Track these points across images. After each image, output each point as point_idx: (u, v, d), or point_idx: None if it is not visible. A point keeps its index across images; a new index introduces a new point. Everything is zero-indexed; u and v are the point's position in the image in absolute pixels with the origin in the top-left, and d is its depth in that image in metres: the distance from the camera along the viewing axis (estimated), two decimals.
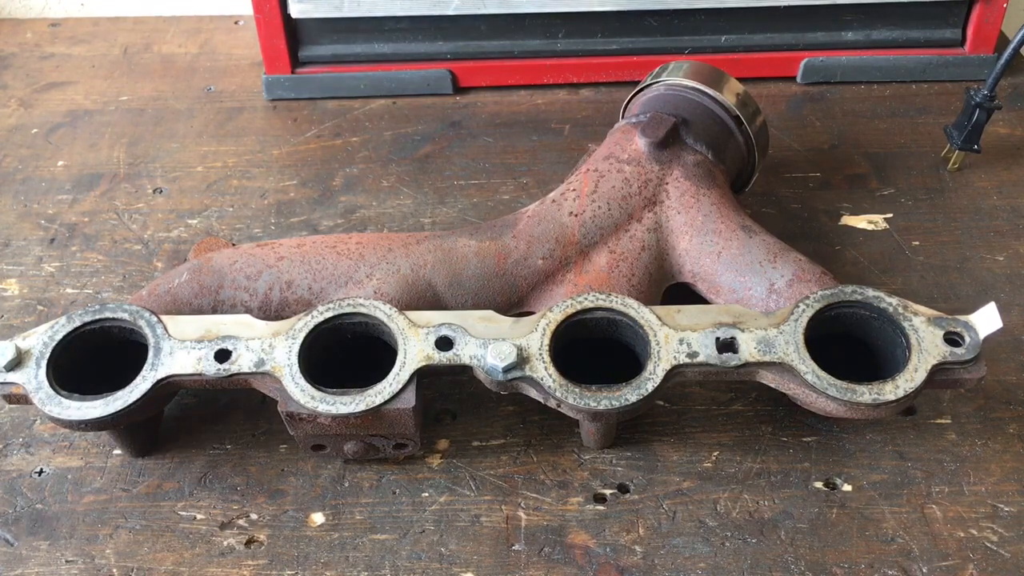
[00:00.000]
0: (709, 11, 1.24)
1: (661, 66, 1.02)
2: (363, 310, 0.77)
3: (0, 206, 1.13)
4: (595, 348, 0.79)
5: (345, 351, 0.79)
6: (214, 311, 0.85)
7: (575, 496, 0.79)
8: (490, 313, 0.78)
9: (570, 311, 0.77)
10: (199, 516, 0.78)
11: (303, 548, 0.76)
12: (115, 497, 0.80)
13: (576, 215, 0.89)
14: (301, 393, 0.73)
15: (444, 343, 0.76)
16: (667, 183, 0.91)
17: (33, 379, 0.74)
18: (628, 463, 0.81)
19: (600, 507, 0.78)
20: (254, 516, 0.78)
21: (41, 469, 0.82)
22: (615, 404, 0.72)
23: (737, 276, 0.86)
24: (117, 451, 0.82)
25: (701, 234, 0.88)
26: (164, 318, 0.78)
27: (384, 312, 0.77)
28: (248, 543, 0.76)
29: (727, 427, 0.84)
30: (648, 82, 1.01)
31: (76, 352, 0.78)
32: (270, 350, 0.75)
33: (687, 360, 0.74)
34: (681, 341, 0.75)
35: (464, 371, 0.75)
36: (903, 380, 0.72)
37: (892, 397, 0.71)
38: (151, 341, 0.76)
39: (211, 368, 0.74)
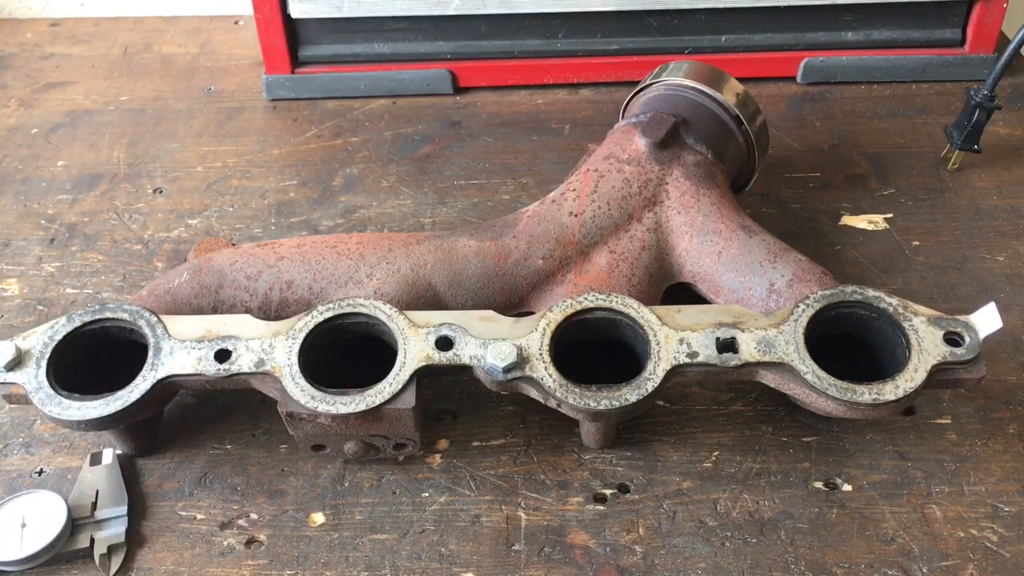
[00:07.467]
0: (709, 11, 1.24)
1: (661, 66, 1.02)
2: (363, 310, 0.77)
3: (0, 206, 1.13)
4: (595, 348, 0.79)
5: (345, 351, 0.79)
6: (214, 311, 0.85)
7: (575, 496, 0.79)
8: (490, 313, 0.78)
9: (570, 311, 0.77)
10: (199, 516, 0.78)
11: (303, 548, 0.76)
12: None
13: (576, 215, 0.89)
14: (301, 393, 0.73)
15: (444, 343, 0.76)
16: (667, 183, 0.91)
17: (33, 379, 0.74)
18: (628, 463, 0.81)
19: (600, 507, 0.78)
20: (254, 516, 0.78)
21: (41, 469, 0.82)
22: (615, 404, 0.72)
23: (737, 276, 0.86)
24: (118, 451, 0.82)
25: (701, 234, 0.88)
26: (164, 318, 0.78)
27: (384, 312, 0.77)
28: (248, 543, 0.76)
29: (727, 427, 0.84)
30: (648, 82, 1.01)
31: (76, 352, 0.78)
32: (270, 350, 0.75)
33: (687, 360, 0.74)
34: (681, 341, 0.74)
35: (464, 371, 0.75)
36: (903, 380, 0.72)
37: (892, 397, 0.71)
38: (151, 341, 0.76)
39: (211, 368, 0.74)
